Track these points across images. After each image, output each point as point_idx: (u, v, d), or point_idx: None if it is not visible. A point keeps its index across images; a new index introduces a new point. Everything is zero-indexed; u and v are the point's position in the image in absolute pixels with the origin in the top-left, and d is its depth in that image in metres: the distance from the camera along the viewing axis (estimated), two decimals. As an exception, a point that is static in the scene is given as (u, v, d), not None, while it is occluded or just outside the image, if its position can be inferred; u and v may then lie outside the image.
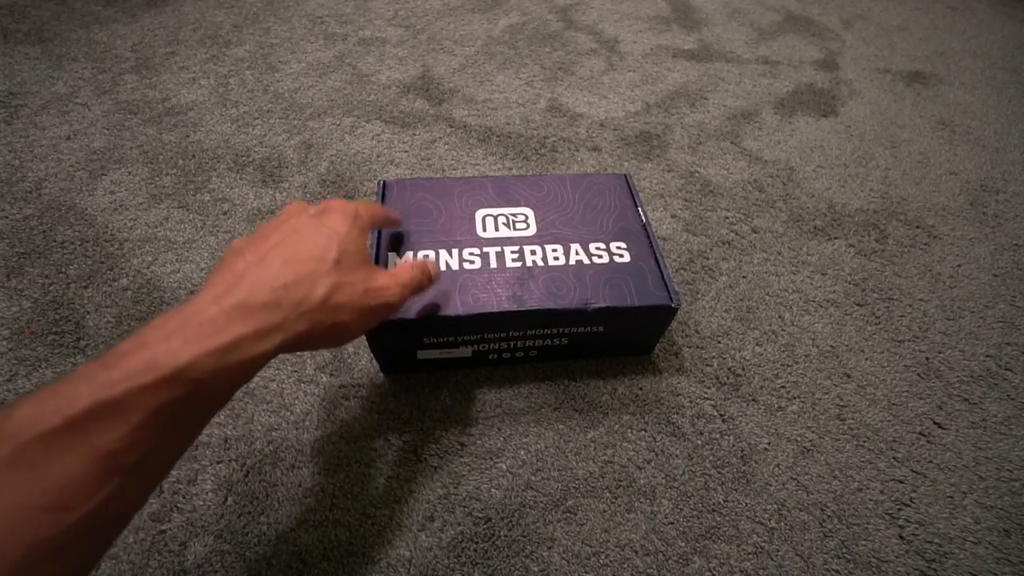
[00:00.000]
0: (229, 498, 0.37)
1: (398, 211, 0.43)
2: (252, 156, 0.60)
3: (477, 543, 0.36)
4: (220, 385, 0.22)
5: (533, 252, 0.41)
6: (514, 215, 0.44)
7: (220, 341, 0.22)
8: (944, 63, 0.88)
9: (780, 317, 0.50)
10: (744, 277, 0.53)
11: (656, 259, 0.41)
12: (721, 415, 0.43)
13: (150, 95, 0.67)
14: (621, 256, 0.41)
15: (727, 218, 0.58)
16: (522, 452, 0.40)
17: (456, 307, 0.37)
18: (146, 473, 0.21)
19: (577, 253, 0.41)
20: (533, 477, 0.39)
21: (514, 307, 0.37)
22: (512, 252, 0.41)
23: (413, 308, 0.37)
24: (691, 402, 0.43)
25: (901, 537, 0.38)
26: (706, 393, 0.44)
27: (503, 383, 0.43)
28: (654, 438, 0.41)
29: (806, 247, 0.56)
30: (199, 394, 0.22)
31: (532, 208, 0.44)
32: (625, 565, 0.35)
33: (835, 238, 0.58)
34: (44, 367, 0.42)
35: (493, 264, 0.40)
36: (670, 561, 0.36)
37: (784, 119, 0.73)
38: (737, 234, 0.57)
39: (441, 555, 0.35)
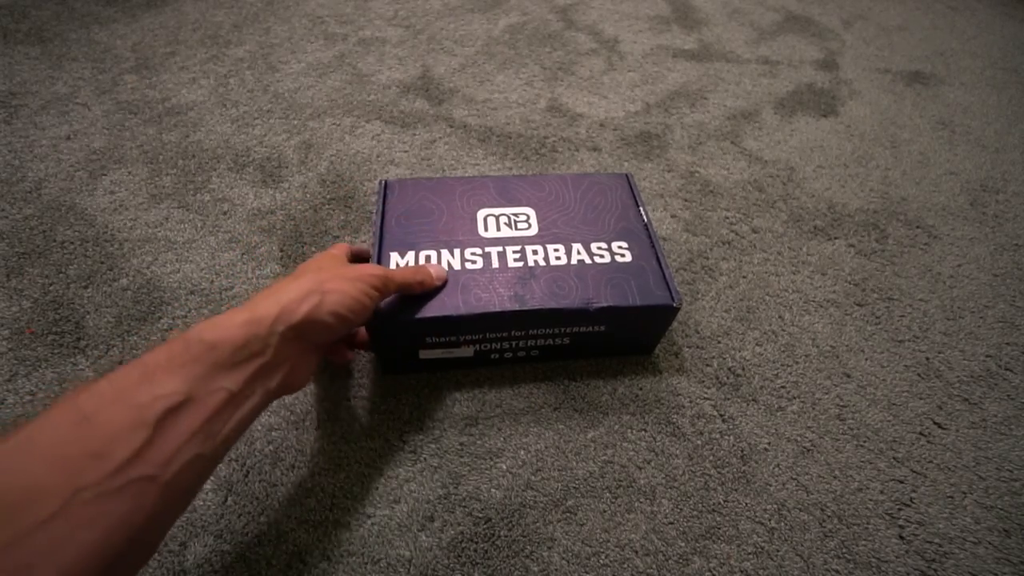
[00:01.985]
0: (229, 498, 0.37)
1: (399, 211, 0.43)
2: (252, 156, 0.60)
3: (477, 543, 0.36)
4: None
5: (535, 252, 0.41)
6: (516, 215, 0.43)
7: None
8: (944, 63, 0.88)
9: (780, 317, 0.50)
10: (744, 277, 0.53)
11: (657, 258, 0.41)
12: (721, 415, 0.43)
13: (150, 95, 0.67)
14: (623, 256, 0.41)
15: (727, 218, 0.58)
16: (522, 452, 0.40)
17: (458, 307, 0.37)
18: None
19: (579, 253, 0.41)
20: (533, 477, 0.39)
21: (516, 307, 0.37)
22: (514, 252, 0.41)
23: (415, 308, 0.37)
24: (691, 402, 0.43)
25: (901, 537, 0.38)
26: (706, 393, 0.44)
27: (503, 383, 0.43)
28: (654, 438, 0.41)
29: (806, 247, 0.57)
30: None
31: (534, 208, 0.44)
32: (625, 565, 0.35)
33: (835, 238, 0.58)
34: (44, 367, 0.42)
35: (495, 264, 0.40)
36: (670, 561, 0.36)
37: (784, 119, 0.73)
38: (737, 234, 0.57)
39: (441, 555, 0.35)
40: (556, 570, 0.35)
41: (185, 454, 0.24)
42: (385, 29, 0.83)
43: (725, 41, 0.88)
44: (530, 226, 0.43)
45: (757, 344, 0.48)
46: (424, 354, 0.41)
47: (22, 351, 0.43)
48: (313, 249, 0.52)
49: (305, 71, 0.73)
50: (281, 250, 0.51)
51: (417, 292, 0.37)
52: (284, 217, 0.54)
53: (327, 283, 0.30)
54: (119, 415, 0.23)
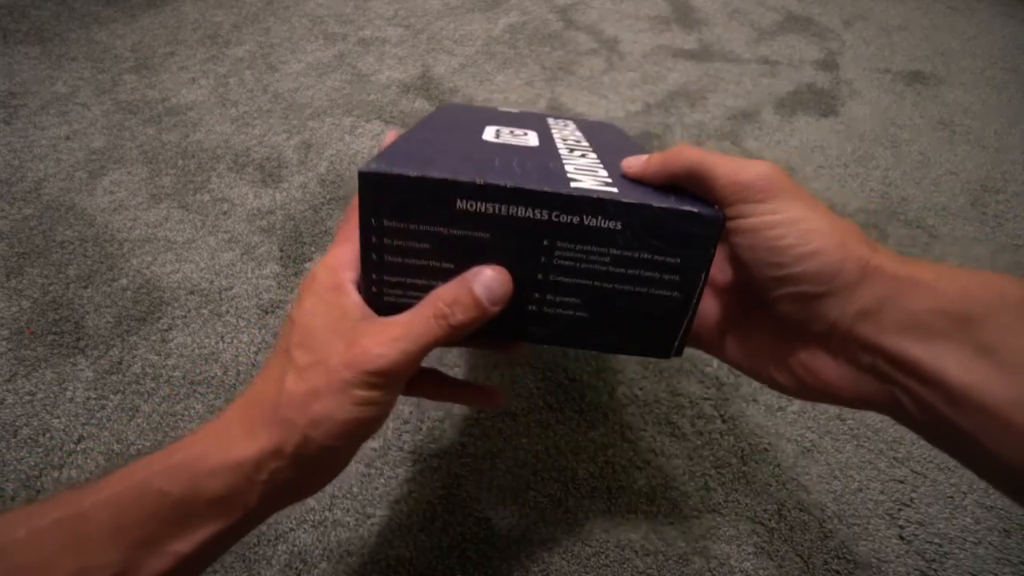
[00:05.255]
0: (229, 498, 0.37)
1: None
2: (252, 156, 0.60)
3: (477, 543, 0.36)
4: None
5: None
6: (525, 135, 0.34)
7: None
8: (944, 63, 0.88)
9: (780, 317, 0.50)
10: (744, 277, 0.53)
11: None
12: (721, 415, 0.43)
13: (150, 95, 0.67)
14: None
15: (727, 218, 0.58)
16: (522, 452, 0.40)
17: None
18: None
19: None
20: (533, 477, 0.39)
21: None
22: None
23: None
24: (691, 402, 0.43)
25: (901, 537, 0.38)
26: (706, 393, 0.44)
27: (503, 383, 0.43)
28: (654, 438, 0.41)
29: (806, 247, 0.56)
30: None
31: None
32: (625, 565, 0.35)
33: (835, 238, 0.58)
34: (44, 367, 0.42)
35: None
36: (670, 561, 0.36)
37: (784, 119, 0.73)
38: (737, 234, 0.57)
39: (441, 555, 0.35)
40: (556, 570, 0.35)
41: None
42: (385, 29, 0.83)
43: (725, 41, 0.88)
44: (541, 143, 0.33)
45: (757, 344, 0.48)
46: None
47: (22, 351, 0.43)
48: (313, 249, 0.52)
49: (305, 71, 0.73)
50: (281, 250, 0.51)
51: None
52: (284, 217, 0.54)
53: (309, 407, 0.20)
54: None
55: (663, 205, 0.26)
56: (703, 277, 0.27)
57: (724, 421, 0.43)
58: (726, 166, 0.23)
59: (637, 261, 0.27)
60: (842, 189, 0.64)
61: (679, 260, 0.27)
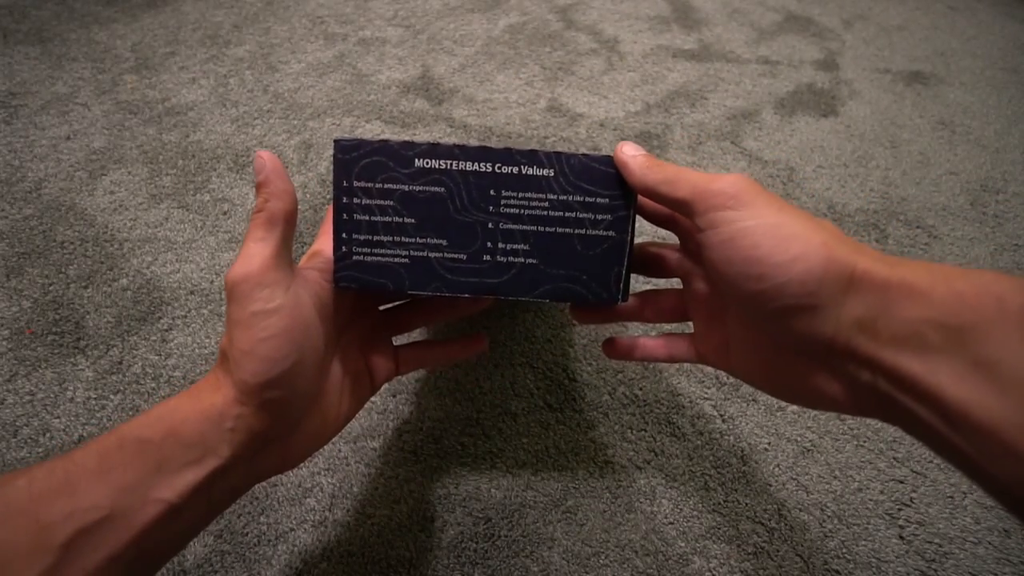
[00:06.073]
0: (229, 498, 0.37)
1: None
2: (252, 156, 0.60)
3: (477, 543, 0.36)
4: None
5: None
6: None
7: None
8: (944, 63, 0.88)
9: (780, 317, 0.50)
10: (744, 277, 0.53)
11: None
12: (721, 415, 0.43)
13: (150, 95, 0.67)
14: None
15: (727, 218, 0.58)
16: (522, 452, 0.40)
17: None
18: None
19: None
20: (533, 477, 0.39)
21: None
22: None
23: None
24: (691, 402, 0.43)
25: (901, 537, 0.38)
26: (706, 393, 0.44)
27: (503, 383, 0.44)
28: (654, 438, 0.41)
29: (806, 247, 0.56)
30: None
31: None
32: (625, 565, 0.35)
33: (835, 238, 0.58)
34: (44, 367, 0.42)
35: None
36: (670, 561, 0.36)
37: (784, 119, 0.73)
38: (737, 234, 0.57)
39: (441, 555, 0.35)
40: (556, 570, 0.35)
41: None
42: (385, 29, 0.83)
43: (725, 41, 0.88)
44: None
45: (757, 344, 0.48)
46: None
47: (22, 351, 0.43)
48: (313, 249, 0.52)
49: (305, 71, 0.73)
50: (281, 250, 0.51)
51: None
52: (284, 217, 0.54)
53: (232, 352, 0.23)
54: (20, 534, 0.19)
55: (587, 151, 0.30)
56: (632, 215, 0.30)
57: (724, 421, 0.43)
58: (697, 176, 0.24)
59: (572, 204, 0.30)
60: (842, 189, 0.64)
61: (608, 200, 0.30)
